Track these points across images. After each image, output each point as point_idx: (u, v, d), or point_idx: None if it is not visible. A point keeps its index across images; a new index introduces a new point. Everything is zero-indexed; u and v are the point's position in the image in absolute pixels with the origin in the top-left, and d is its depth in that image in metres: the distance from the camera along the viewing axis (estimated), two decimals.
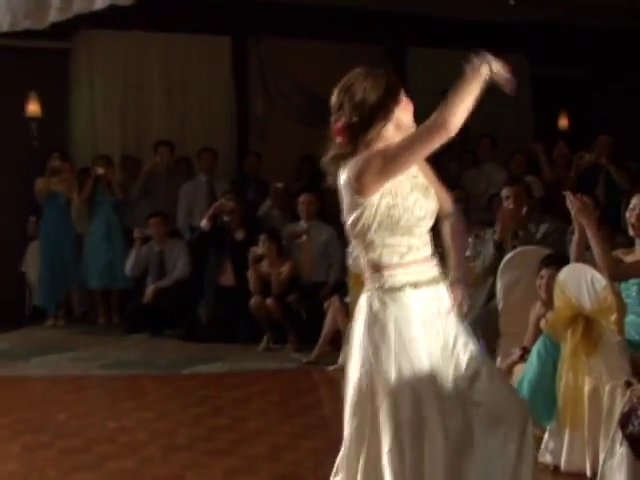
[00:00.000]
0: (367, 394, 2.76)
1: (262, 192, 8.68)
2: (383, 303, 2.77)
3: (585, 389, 3.84)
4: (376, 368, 2.74)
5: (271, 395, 5.84)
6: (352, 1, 9.24)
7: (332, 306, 6.79)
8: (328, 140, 2.80)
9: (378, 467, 2.72)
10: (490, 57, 2.65)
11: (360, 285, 2.99)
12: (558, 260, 4.49)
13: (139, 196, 8.76)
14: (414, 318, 2.76)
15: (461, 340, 2.83)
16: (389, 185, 2.72)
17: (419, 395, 2.70)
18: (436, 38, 9.60)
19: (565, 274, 3.95)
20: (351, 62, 9.06)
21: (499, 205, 5.92)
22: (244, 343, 7.41)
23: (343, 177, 2.74)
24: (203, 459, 4.40)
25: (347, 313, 5.96)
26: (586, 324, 3.84)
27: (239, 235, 7.87)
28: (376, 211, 2.72)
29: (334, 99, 2.78)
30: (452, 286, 2.93)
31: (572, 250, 4.36)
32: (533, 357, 4.15)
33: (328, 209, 7.42)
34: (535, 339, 4.37)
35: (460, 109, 2.58)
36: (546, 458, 4.03)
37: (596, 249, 4.14)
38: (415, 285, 2.77)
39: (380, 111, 2.72)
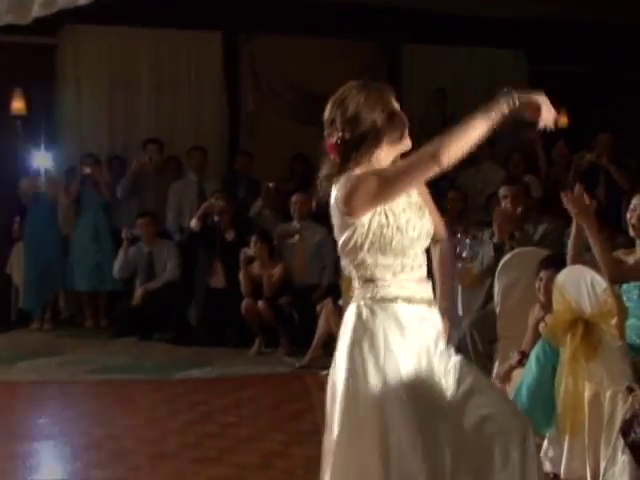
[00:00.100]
0: (353, 406, 2.71)
1: (253, 192, 8.66)
2: (373, 312, 2.72)
3: (585, 395, 3.81)
4: (363, 380, 2.69)
5: (263, 401, 5.81)
6: None
7: (325, 309, 6.78)
8: (323, 155, 2.75)
9: (365, 477, 2.69)
10: (518, 96, 2.58)
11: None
12: (557, 261, 4.46)
13: (127, 196, 8.72)
14: (404, 330, 2.71)
15: (453, 356, 2.79)
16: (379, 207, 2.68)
17: (406, 408, 2.66)
18: (432, 34, 9.58)
19: (564, 276, 3.93)
20: (345, 59, 9.15)
21: (497, 205, 5.90)
22: (235, 347, 7.39)
23: (333, 195, 2.70)
24: (192, 468, 4.36)
25: (340, 316, 5.90)
26: (586, 328, 3.81)
27: (229, 236, 7.85)
28: (368, 230, 2.68)
29: (327, 113, 2.74)
30: (444, 322, 2.87)
31: (569, 252, 4.33)
32: (532, 362, 4.13)
33: (321, 209, 7.39)
34: (534, 343, 4.35)
35: (457, 146, 2.53)
36: (545, 466, 4.00)
37: (597, 250, 4.12)
38: (408, 300, 2.74)
39: (373, 128, 2.68)
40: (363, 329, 2.72)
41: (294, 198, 7.81)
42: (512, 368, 4.61)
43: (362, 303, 2.74)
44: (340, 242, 2.74)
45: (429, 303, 2.80)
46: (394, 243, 2.70)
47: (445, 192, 7.08)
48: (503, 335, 5.06)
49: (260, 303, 7.32)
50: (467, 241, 5.79)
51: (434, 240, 2.91)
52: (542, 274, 4.59)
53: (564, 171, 8.02)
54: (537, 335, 4.46)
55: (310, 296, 7.40)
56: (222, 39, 9.64)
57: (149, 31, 9.38)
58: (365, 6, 9.36)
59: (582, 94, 9.83)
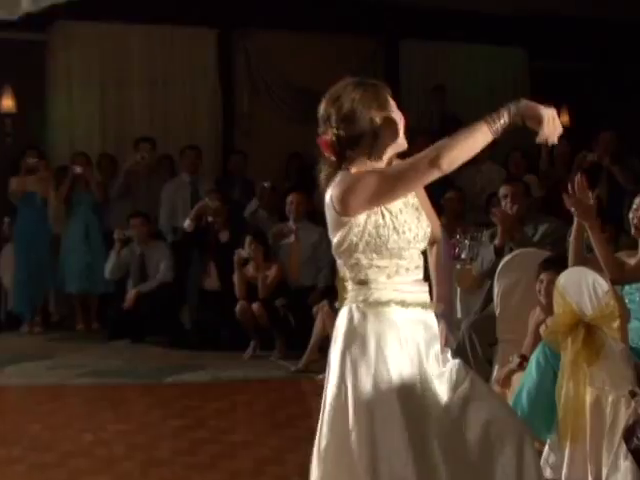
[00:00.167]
0: (343, 412, 2.69)
1: (248, 192, 8.64)
2: (365, 317, 2.70)
3: (587, 400, 3.79)
4: (354, 385, 2.67)
5: (257, 405, 5.79)
6: None
7: (321, 311, 6.76)
8: (321, 155, 2.73)
9: None
10: (524, 107, 2.53)
11: None
12: (558, 263, 4.44)
13: (119, 195, 8.70)
14: (397, 335, 2.69)
15: (450, 361, 2.77)
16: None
17: (397, 416, 2.64)
18: (431, 31, 9.58)
19: (565, 278, 3.91)
20: (342, 56, 9.14)
21: (497, 205, 5.89)
22: (229, 350, 7.36)
23: (328, 194, 2.68)
24: (184, 474, 4.33)
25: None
26: (587, 331, 3.78)
27: (224, 236, 7.84)
28: (363, 230, 2.66)
29: (321, 110, 2.72)
30: (441, 325, 2.85)
31: (570, 253, 4.31)
32: (532, 366, 4.11)
33: (318, 209, 7.38)
34: (535, 347, 4.32)
35: (460, 152, 2.52)
36: (546, 472, 3.97)
37: (599, 251, 4.10)
38: (402, 303, 2.71)
39: (369, 126, 2.66)
40: (354, 334, 2.70)
41: (290, 198, 7.79)
42: (512, 372, 4.58)
43: (354, 306, 2.71)
44: (334, 242, 2.72)
45: (424, 306, 2.78)
46: (390, 244, 2.68)
47: (444, 192, 7.06)
48: (503, 338, 5.04)
49: (255, 305, 7.30)
50: (466, 242, 5.78)
51: (431, 242, 2.89)
52: (543, 276, 4.55)
53: (565, 171, 8.00)
54: (538, 338, 4.44)
55: (306, 298, 7.39)
56: (217, 36, 9.64)
57: (142, 27, 9.40)
58: (363, 2, 9.36)
59: (584, 92, 9.82)
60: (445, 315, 2.92)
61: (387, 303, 2.70)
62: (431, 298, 2.85)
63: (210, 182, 8.77)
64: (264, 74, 9.71)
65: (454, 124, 9.03)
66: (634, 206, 4.21)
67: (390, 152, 2.71)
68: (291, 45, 9.39)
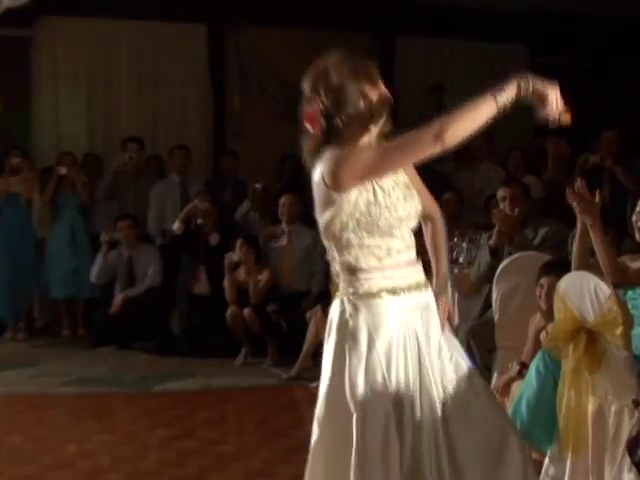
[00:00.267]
0: (335, 407, 2.71)
1: (239, 193, 8.62)
2: (356, 309, 2.70)
3: (589, 409, 3.75)
4: (346, 380, 2.68)
5: (248, 414, 5.76)
6: None
7: (314, 317, 6.74)
8: (301, 132, 2.73)
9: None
10: (531, 82, 2.56)
11: None
12: (560, 267, 4.42)
13: (105, 197, 8.68)
14: (390, 327, 2.69)
15: (447, 357, 2.77)
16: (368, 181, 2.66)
17: (388, 412, 2.65)
18: (428, 26, 9.56)
19: (566, 283, 3.88)
20: None
21: (496, 207, 5.87)
22: (219, 357, 7.35)
23: (317, 170, 2.66)
24: None
25: None
26: (589, 338, 3.75)
27: (214, 240, 7.82)
28: (354, 208, 2.65)
29: (306, 84, 2.72)
30: (437, 296, 2.87)
31: (573, 256, 4.29)
32: (532, 374, 4.08)
33: (312, 212, 7.36)
34: (535, 354, 4.29)
35: (463, 126, 2.52)
36: None
37: (601, 253, 4.08)
38: (393, 291, 2.71)
39: (358, 99, 2.65)
40: (345, 327, 2.71)
41: (282, 200, 7.77)
42: (511, 380, 4.56)
43: (345, 299, 2.72)
44: (323, 221, 2.70)
45: (418, 287, 2.77)
46: (381, 222, 2.67)
47: (441, 194, 7.03)
48: (502, 345, 5.02)
49: (246, 311, 7.28)
50: (464, 245, 5.76)
51: (425, 218, 2.90)
52: (543, 280, 4.53)
53: (565, 173, 7.97)
54: (538, 345, 4.41)
55: (299, 303, 7.37)
56: (207, 32, 9.63)
57: (130, 23, 9.37)
58: None
59: (586, 89, 9.80)
60: (445, 291, 2.93)
61: (378, 294, 2.70)
62: (427, 276, 2.85)
63: (200, 183, 8.77)
64: (256, 71, 9.69)
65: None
66: (637, 208, 4.19)
67: (375, 130, 2.69)
68: (284, 41, 9.37)
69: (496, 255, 5.44)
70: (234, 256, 7.41)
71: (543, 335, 4.37)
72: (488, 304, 5.32)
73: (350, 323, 2.70)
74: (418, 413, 2.68)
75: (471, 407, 2.74)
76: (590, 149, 7.94)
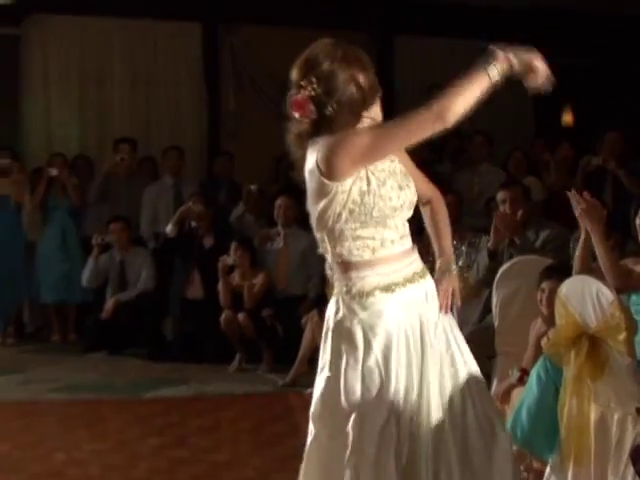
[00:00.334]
0: (331, 409, 2.72)
1: (234, 195, 8.61)
2: (350, 310, 2.70)
3: (591, 418, 3.73)
4: (342, 383, 2.68)
5: (242, 422, 5.73)
6: None
7: (310, 322, 6.72)
8: (286, 120, 2.72)
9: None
10: (513, 52, 2.61)
11: None
12: (561, 271, 4.41)
13: (97, 200, 8.66)
14: (387, 327, 2.68)
15: (447, 355, 2.77)
16: (363, 170, 2.64)
17: (386, 415, 2.64)
18: (427, 25, 9.55)
19: (567, 287, 3.86)
20: None
21: (496, 210, 5.86)
22: (213, 363, 7.34)
23: (311, 158, 2.64)
24: None
25: None
26: (591, 344, 3.73)
27: (208, 242, 7.82)
28: (347, 198, 2.63)
29: (295, 72, 2.71)
30: (440, 278, 2.85)
31: (575, 260, 4.27)
32: (532, 381, 4.05)
33: (308, 214, 7.34)
34: (535, 360, 4.26)
35: (462, 102, 2.53)
36: None
37: (603, 258, 4.07)
38: (387, 289, 2.70)
39: (349, 86, 2.64)
40: (341, 329, 2.71)
41: (278, 202, 7.75)
42: (512, 387, 4.53)
43: (340, 299, 2.72)
44: (316, 213, 2.68)
45: (415, 278, 2.74)
46: (375, 212, 2.65)
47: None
48: (502, 351, 5.01)
49: (240, 315, 7.25)
50: (463, 249, 5.73)
51: (423, 202, 2.90)
52: (544, 284, 4.51)
53: (568, 176, 7.96)
54: (539, 351, 4.39)
55: (295, 308, 7.35)
56: (201, 31, 9.63)
57: (123, 21, 9.37)
58: None
59: (588, 89, 9.80)
60: (450, 270, 2.90)
61: (371, 292, 2.69)
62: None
63: (194, 185, 8.76)
64: (251, 71, 9.68)
65: (452, 125, 9.07)
66: None
67: (367, 119, 2.69)
68: (279, 41, 9.32)
69: (495, 258, 5.43)
70: (228, 259, 7.39)
71: (544, 341, 4.35)
72: (488, 309, 5.31)
73: (345, 324, 2.69)
74: (417, 417, 2.68)
75: (467, 416, 2.73)
76: (592, 151, 7.93)
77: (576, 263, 4.25)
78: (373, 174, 2.65)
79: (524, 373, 4.45)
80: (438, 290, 2.83)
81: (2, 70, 8.86)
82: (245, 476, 4.57)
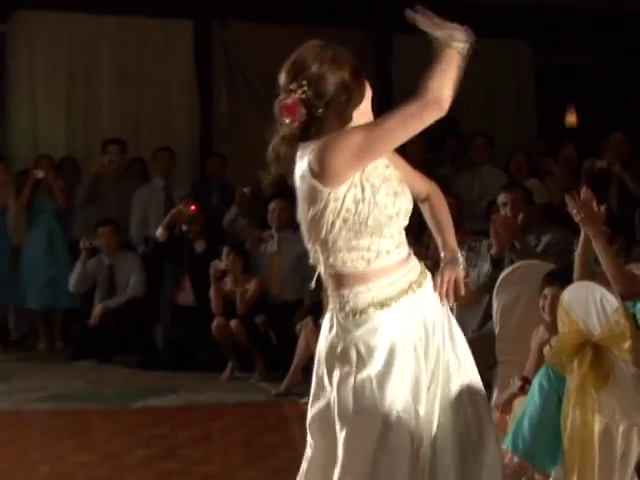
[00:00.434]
0: (323, 431, 2.72)
1: (227, 198, 8.60)
2: (344, 329, 2.68)
3: (595, 429, 3.73)
4: (335, 401, 2.67)
5: (234, 433, 5.72)
6: None
7: (305, 329, 6.72)
8: (274, 124, 2.70)
9: None
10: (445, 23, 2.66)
11: None
12: (564, 276, 4.39)
13: (84, 202, 8.64)
14: (381, 344, 2.66)
15: (444, 369, 2.75)
16: (357, 176, 2.61)
17: (379, 435, 2.63)
18: None
19: (570, 293, 3.85)
20: None
21: (496, 213, 5.86)
22: (204, 371, 7.34)
23: (302, 162, 2.62)
24: None
25: None
26: (595, 353, 3.73)
27: (199, 247, 7.81)
28: (341, 207, 2.60)
29: (283, 75, 2.70)
30: (444, 269, 2.81)
31: (575, 265, 4.26)
32: (534, 390, 4.05)
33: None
34: (538, 369, 4.26)
35: (449, 86, 2.53)
36: None
37: (606, 263, 4.06)
38: (382, 304, 2.67)
39: (341, 90, 2.65)
40: (335, 346, 2.69)
41: (272, 205, 7.73)
42: (513, 397, 4.51)
43: (334, 315, 2.71)
44: (307, 219, 2.65)
45: (411, 288, 2.71)
46: (371, 220, 2.63)
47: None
48: (503, 359, 4.99)
49: (233, 322, 7.24)
50: (463, 253, 5.71)
51: (422, 199, 2.89)
52: (547, 291, 4.50)
53: (571, 178, 7.96)
54: (541, 360, 4.39)
55: (289, 314, 7.32)
56: (193, 28, 9.62)
57: (112, 18, 9.36)
58: None
59: (592, 89, 9.81)
60: (455, 265, 2.86)
61: (365, 310, 2.67)
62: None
63: (185, 187, 8.76)
64: (245, 69, 9.69)
65: (451, 125, 9.08)
66: None
67: (357, 120, 2.67)
68: (274, 38, 9.32)
69: (497, 264, 5.41)
70: (220, 264, 7.38)
71: (546, 349, 4.35)
72: (488, 316, 5.29)
73: (339, 343, 2.68)
74: (413, 435, 2.66)
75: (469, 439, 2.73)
76: (597, 152, 7.93)
77: (576, 268, 4.24)
78: (367, 181, 2.62)
79: (526, 382, 4.45)
80: (439, 281, 2.80)
81: None
82: None
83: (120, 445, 5.39)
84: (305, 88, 2.62)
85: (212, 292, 7.39)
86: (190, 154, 9.66)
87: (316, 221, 2.63)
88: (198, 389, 6.83)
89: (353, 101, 2.67)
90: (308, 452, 2.82)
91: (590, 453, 3.74)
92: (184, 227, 7.84)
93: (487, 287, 5.37)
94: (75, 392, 6.79)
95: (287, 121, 2.65)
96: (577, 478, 3.79)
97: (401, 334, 2.68)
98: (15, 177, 8.62)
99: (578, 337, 3.79)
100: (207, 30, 9.67)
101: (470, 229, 6.96)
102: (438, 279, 2.80)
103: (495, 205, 6.24)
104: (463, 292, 2.85)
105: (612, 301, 3.68)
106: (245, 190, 8.27)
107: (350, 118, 2.67)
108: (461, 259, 2.90)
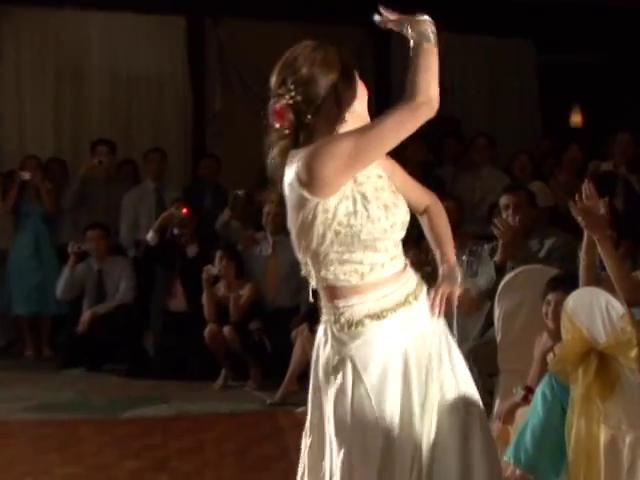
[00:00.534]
0: (321, 454, 2.70)
1: (220, 200, 8.61)
2: (339, 342, 2.66)
3: (601, 441, 3.71)
4: (330, 421, 2.66)
5: (227, 444, 5.71)
6: None
7: (300, 336, 6.72)
8: (267, 129, 2.69)
9: None
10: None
11: None
12: (568, 282, 4.41)
13: (73, 205, 8.63)
14: (377, 358, 2.64)
15: (440, 382, 2.72)
16: (349, 187, 2.58)
17: (381, 456, 2.61)
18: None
19: (574, 300, 3.84)
20: None
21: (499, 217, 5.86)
22: (197, 380, 7.34)
23: (290, 170, 2.60)
24: None
25: None
26: (601, 361, 3.71)
27: (192, 251, 7.81)
28: (333, 218, 2.57)
29: (274, 77, 2.68)
30: (441, 285, 2.82)
31: (580, 270, 4.25)
32: (537, 400, 4.05)
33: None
34: (541, 377, 4.26)
35: (435, 83, 2.54)
36: None
37: (611, 268, 4.06)
38: (378, 316, 2.65)
39: (331, 93, 2.63)
40: (329, 361, 2.68)
41: (267, 208, 7.73)
42: (516, 406, 4.53)
43: (328, 328, 2.69)
44: (296, 231, 2.63)
45: (408, 301, 2.70)
46: (363, 234, 2.60)
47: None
48: (505, 368, 5.01)
49: (226, 329, 7.24)
50: (464, 258, 5.72)
51: (421, 211, 2.89)
52: (550, 296, 4.51)
53: (576, 179, 7.96)
54: (544, 368, 4.39)
55: (284, 321, 7.32)
56: (186, 25, 9.63)
57: (102, 15, 9.36)
58: None
59: (598, 87, 9.81)
60: (453, 280, 2.85)
61: (361, 321, 2.65)
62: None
63: (177, 189, 8.76)
64: (240, 68, 9.69)
65: (451, 125, 9.08)
66: None
67: (352, 125, 2.64)
68: (269, 36, 9.32)
69: (499, 270, 5.41)
70: (213, 269, 7.37)
71: (550, 357, 4.35)
72: (490, 323, 5.31)
73: (334, 357, 2.67)
74: (414, 448, 2.65)
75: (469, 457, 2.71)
76: (603, 153, 7.93)
77: (581, 273, 4.25)
78: (359, 193, 2.60)
79: (528, 391, 4.46)
80: (432, 296, 2.79)
81: None
82: None
83: (109, 457, 5.39)
84: (293, 93, 2.60)
85: (205, 298, 7.39)
86: (182, 155, 9.67)
87: (305, 231, 2.60)
88: (190, 398, 6.83)
89: (343, 104, 2.64)
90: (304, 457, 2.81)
91: (596, 465, 3.72)
92: (176, 231, 7.83)
93: (488, 293, 5.38)
94: (63, 401, 6.79)
95: (277, 126, 2.64)
96: None
97: (397, 347, 2.66)
98: (1, 179, 8.62)
99: (583, 345, 3.78)
100: (200, 27, 9.69)
101: (471, 233, 6.96)
102: (432, 294, 2.79)
103: (497, 208, 6.24)
104: (455, 310, 2.86)
105: (618, 307, 3.67)
106: (239, 192, 8.28)
107: (341, 122, 2.64)
108: (459, 275, 2.88)
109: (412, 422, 2.64)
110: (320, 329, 2.75)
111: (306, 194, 2.54)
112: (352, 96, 2.66)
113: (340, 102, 2.63)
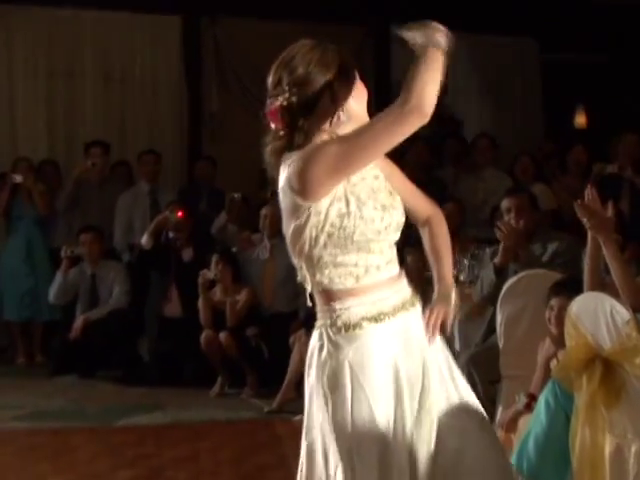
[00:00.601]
0: (319, 461, 2.68)
1: (216, 203, 8.60)
2: (336, 346, 2.65)
3: (606, 450, 3.69)
4: (329, 427, 2.64)
5: (223, 452, 5.71)
6: None
7: (298, 342, 6.70)
8: (265, 130, 2.68)
9: None
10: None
11: None
12: (572, 287, 4.39)
13: (66, 208, 8.63)
14: (375, 362, 2.64)
15: (441, 389, 2.72)
16: (341, 189, 2.59)
17: (379, 460, 2.61)
18: (427, 17, 9.52)
19: (578, 305, 3.84)
20: None
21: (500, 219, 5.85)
22: (192, 387, 7.35)
23: (283, 174, 2.61)
24: None
25: None
26: (605, 368, 3.70)
27: (187, 255, 7.82)
28: (325, 220, 2.58)
29: (271, 76, 2.67)
30: (435, 305, 2.80)
31: (585, 274, 4.24)
32: (540, 408, 4.04)
33: None
34: (544, 384, 4.25)
35: (433, 89, 2.49)
36: None
37: (616, 272, 4.05)
38: (376, 318, 2.65)
39: (326, 94, 2.61)
40: (325, 366, 2.66)
41: (264, 211, 7.74)
42: (518, 414, 4.51)
43: (324, 332, 2.67)
44: (289, 234, 2.64)
45: (404, 307, 2.70)
46: (356, 236, 2.60)
47: (440, 204, 7.00)
48: (507, 374, 4.99)
49: (222, 335, 7.24)
50: (465, 262, 5.72)
51: (422, 224, 2.88)
52: (553, 302, 4.49)
53: (580, 181, 7.96)
54: (548, 375, 4.39)
55: (282, 326, 7.32)
56: (182, 23, 9.63)
57: (96, 14, 9.35)
58: None
59: (603, 88, 9.81)
60: (447, 301, 2.83)
61: (359, 324, 2.64)
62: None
63: (172, 192, 8.77)
64: (237, 68, 9.69)
65: (453, 126, 9.08)
66: None
67: (350, 127, 2.63)
68: (268, 35, 9.32)
69: (501, 274, 5.40)
70: (209, 273, 7.37)
71: (553, 364, 4.34)
72: (492, 328, 5.29)
73: (331, 363, 2.65)
74: (412, 459, 2.65)
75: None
76: (607, 155, 7.93)
77: (586, 277, 4.23)
78: (352, 194, 2.60)
79: (532, 399, 4.44)
80: (427, 315, 2.78)
81: None
82: None
83: (103, 466, 5.39)
84: (287, 95, 2.60)
85: (200, 303, 7.38)
86: (177, 157, 9.67)
87: (298, 234, 2.60)
88: (186, 405, 6.83)
89: (338, 102, 2.63)
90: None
91: (601, 475, 3.71)
92: (171, 234, 7.84)
93: (491, 298, 5.37)
94: (55, 409, 6.79)
95: (273, 127, 2.64)
96: None
97: (393, 353, 2.66)
98: None
99: (587, 351, 3.77)
100: (197, 26, 9.68)
101: (473, 236, 6.96)
102: (427, 314, 2.77)
103: (499, 211, 6.24)
104: (449, 328, 2.84)
105: (623, 313, 3.66)
106: (235, 195, 8.29)
107: (337, 122, 2.64)
108: (454, 297, 2.86)
109: (405, 429, 2.64)
110: (314, 334, 2.73)
111: (298, 199, 2.55)
112: (345, 93, 2.64)
113: (336, 100, 2.62)
